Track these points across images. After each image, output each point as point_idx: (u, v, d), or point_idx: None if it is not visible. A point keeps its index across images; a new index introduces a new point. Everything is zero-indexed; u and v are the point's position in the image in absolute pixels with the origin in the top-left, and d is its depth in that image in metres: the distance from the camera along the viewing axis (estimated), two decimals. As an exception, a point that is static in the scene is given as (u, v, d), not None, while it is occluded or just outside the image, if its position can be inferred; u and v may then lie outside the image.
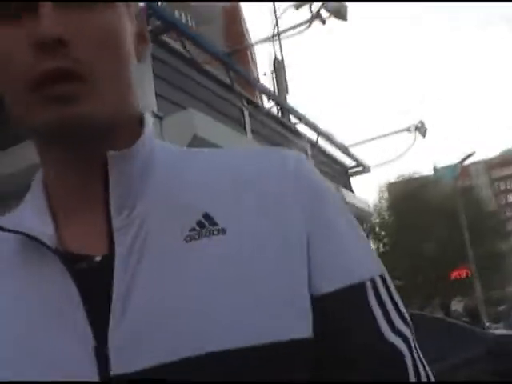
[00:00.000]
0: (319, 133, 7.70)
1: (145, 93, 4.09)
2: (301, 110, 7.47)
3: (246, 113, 5.91)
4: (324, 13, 8.62)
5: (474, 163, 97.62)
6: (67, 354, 0.56)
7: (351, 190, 9.05)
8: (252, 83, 6.68)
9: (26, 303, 0.60)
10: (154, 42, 4.58)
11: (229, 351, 0.53)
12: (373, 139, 10.98)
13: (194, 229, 0.59)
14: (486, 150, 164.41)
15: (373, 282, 0.62)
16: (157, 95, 4.27)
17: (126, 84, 0.61)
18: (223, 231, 0.59)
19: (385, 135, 11.36)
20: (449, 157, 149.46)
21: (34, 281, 0.60)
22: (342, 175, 9.05)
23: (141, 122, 0.66)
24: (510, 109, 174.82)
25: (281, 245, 0.59)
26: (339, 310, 0.59)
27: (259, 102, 6.24)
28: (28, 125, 0.59)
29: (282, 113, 7.42)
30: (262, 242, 0.58)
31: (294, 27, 9.15)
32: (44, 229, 0.61)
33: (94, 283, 0.58)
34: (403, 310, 0.63)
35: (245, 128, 5.87)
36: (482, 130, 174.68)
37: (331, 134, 8.26)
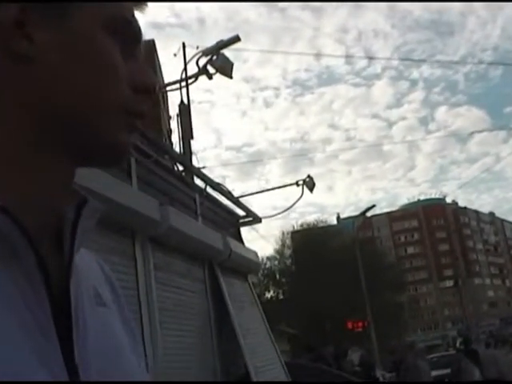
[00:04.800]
0: (207, 182, 7.72)
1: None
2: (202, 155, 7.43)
3: (133, 160, 5.75)
4: (211, 69, 8.81)
5: (376, 215, 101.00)
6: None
7: (241, 240, 9.08)
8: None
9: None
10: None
11: None
12: (263, 191, 11.20)
13: (94, 295, 0.74)
14: (388, 203, 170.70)
15: None
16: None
17: None
18: (105, 304, 0.76)
19: (274, 188, 11.66)
20: (353, 208, 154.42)
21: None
22: (232, 225, 9.08)
23: None
24: (412, 164, 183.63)
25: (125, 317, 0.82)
26: None
27: (147, 149, 6.12)
28: (109, 142, 0.68)
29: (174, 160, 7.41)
30: (121, 320, 0.80)
31: (183, 80, 9.25)
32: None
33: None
34: None
35: (130, 176, 5.70)
36: (385, 183, 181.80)
37: (221, 184, 8.31)
